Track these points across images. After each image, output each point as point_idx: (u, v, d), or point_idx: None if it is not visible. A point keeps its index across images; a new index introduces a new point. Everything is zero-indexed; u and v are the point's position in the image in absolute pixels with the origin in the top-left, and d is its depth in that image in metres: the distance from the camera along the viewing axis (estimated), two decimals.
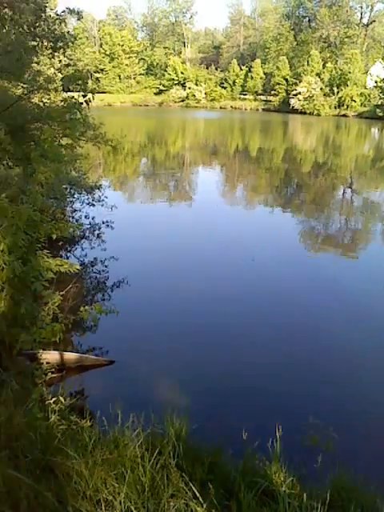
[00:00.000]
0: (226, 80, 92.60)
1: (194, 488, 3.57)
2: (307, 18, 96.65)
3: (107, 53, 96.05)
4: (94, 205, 11.83)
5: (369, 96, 71.88)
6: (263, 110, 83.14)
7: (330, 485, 4.12)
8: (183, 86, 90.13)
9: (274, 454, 4.24)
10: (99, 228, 11.62)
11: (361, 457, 5.31)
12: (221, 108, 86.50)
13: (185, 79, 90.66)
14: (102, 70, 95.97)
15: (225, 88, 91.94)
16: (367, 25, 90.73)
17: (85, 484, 3.55)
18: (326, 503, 3.62)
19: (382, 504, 4.02)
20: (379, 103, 67.92)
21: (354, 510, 3.77)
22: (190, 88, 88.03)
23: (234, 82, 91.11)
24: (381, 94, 68.79)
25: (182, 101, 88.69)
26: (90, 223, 11.83)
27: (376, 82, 71.84)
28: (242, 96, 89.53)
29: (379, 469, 5.10)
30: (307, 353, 7.71)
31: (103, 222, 11.65)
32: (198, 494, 3.50)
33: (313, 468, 4.49)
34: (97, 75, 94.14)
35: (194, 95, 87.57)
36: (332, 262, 12.11)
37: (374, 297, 9.75)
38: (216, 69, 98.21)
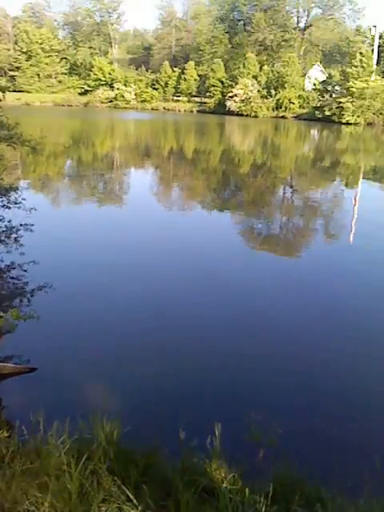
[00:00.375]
0: (157, 81, 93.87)
1: (127, 491, 3.56)
2: (242, 22, 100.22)
3: (24, 50, 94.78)
4: (9, 207, 11.46)
5: (307, 98, 75.87)
6: (198, 111, 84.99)
7: (273, 478, 4.21)
8: (111, 86, 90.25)
9: (213, 451, 4.28)
10: (16, 231, 11.26)
11: (305, 449, 5.49)
12: (152, 109, 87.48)
13: (113, 80, 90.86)
14: (17, 67, 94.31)
15: (156, 89, 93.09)
16: (304, 29, 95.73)
17: (2, 497, 3.44)
18: (269, 496, 3.72)
19: (327, 494, 4.17)
20: (318, 105, 71.92)
21: (299, 501, 3.89)
22: (118, 89, 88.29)
23: (167, 84, 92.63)
24: (319, 97, 73.05)
25: (110, 102, 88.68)
26: (6, 226, 11.44)
27: (314, 85, 76.30)
28: (175, 98, 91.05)
29: (323, 460, 5.28)
30: (244, 341, 7.91)
31: (21, 225, 11.30)
32: (131, 497, 3.51)
33: (256, 463, 4.60)
34: (12, 73, 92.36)
35: (123, 96, 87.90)
36: (273, 259, 12.64)
37: (318, 286, 10.40)
38: (147, 70, 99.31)
